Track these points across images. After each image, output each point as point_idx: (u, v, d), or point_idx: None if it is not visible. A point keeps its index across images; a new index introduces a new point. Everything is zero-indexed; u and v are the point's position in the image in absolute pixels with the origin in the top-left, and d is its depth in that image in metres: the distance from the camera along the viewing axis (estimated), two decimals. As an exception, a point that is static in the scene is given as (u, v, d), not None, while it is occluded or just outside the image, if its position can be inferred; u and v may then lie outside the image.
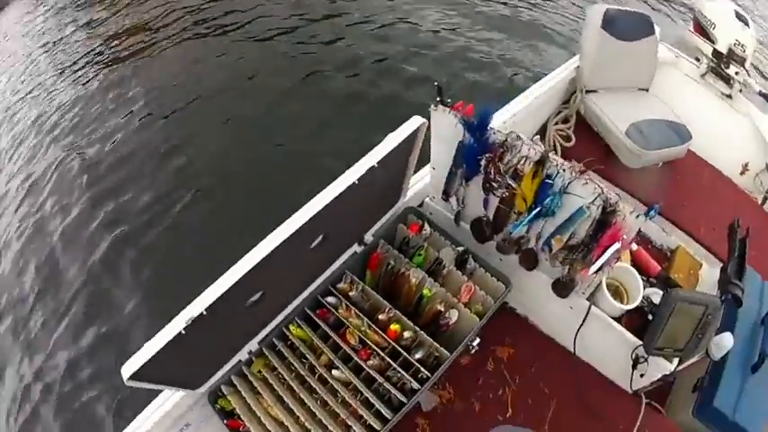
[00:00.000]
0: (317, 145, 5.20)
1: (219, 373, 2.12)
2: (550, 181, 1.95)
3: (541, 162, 1.93)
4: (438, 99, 2.09)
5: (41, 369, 4.24)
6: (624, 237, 1.89)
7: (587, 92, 3.42)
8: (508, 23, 7.21)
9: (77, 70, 7.57)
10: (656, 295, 2.47)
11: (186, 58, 6.98)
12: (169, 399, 2.10)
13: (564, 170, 1.92)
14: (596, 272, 2.01)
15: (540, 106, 3.33)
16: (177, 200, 5.06)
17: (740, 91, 3.70)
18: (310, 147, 5.21)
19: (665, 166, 3.38)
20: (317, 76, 6.19)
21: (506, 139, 1.99)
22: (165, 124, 6.03)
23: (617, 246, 1.90)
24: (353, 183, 1.75)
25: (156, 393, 2.09)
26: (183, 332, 1.52)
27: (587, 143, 3.39)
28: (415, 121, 1.97)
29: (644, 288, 2.38)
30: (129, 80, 6.85)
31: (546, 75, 3.51)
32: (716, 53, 3.63)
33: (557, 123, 3.50)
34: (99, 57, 7.67)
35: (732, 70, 3.60)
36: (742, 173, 3.70)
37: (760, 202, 3.53)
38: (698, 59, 3.82)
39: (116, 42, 7.87)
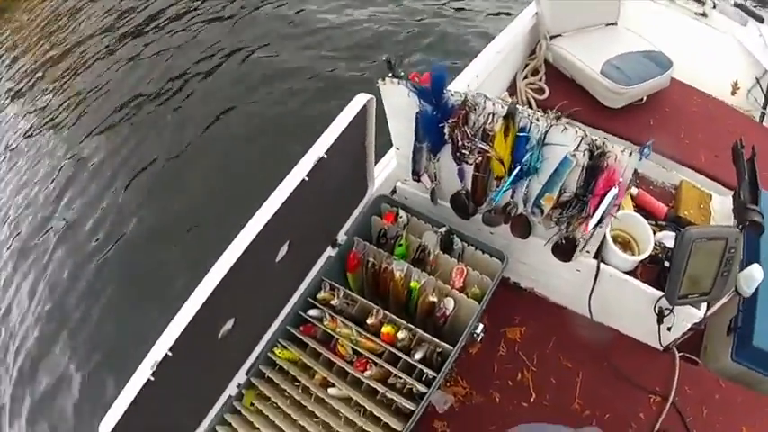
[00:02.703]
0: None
1: (211, 414, 1.98)
2: (525, 134, 1.82)
3: (511, 115, 1.80)
4: (390, 75, 1.95)
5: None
6: (620, 179, 1.76)
7: (552, 37, 3.30)
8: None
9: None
10: (669, 238, 2.34)
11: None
12: None
13: (538, 120, 1.78)
14: (597, 225, 1.88)
15: (503, 63, 3.21)
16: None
17: (714, 7, 3.59)
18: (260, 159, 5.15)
19: (649, 100, 3.26)
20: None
21: (466, 98, 1.85)
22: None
23: (614, 191, 1.78)
24: (303, 180, 1.62)
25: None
26: (152, 378, 1.40)
27: (562, 92, 3.25)
28: (361, 98, 1.85)
29: (654, 233, 2.25)
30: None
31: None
32: None
33: (526, 77, 3.37)
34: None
35: None
36: (733, 92, 3.62)
37: (758, 118, 3.41)
38: None
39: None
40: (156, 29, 7.59)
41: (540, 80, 3.35)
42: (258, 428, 1.96)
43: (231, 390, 2.02)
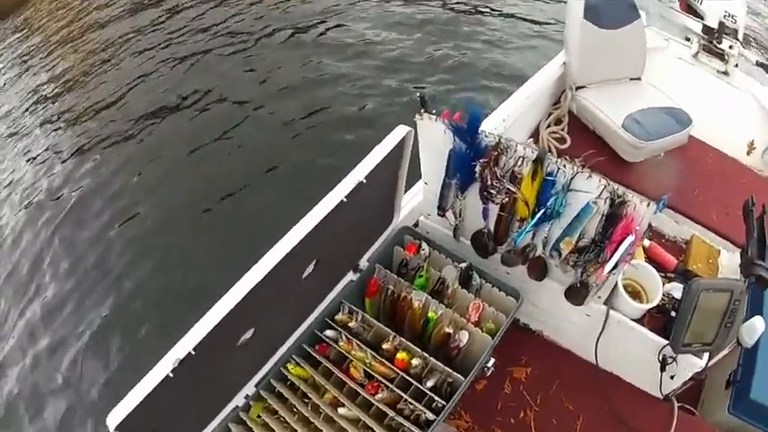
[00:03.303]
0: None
1: (215, 422, 2.00)
2: (552, 178, 1.89)
3: (539, 160, 1.88)
4: (422, 110, 2.03)
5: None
6: (637, 228, 1.82)
7: (577, 88, 3.37)
8: (479, 30, 7.20)
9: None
10: (677, 289, 2.43)
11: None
12: None
13: (564, 166, 1.86)
14: (612, 271, 1.93)
15: (529, 110, 3.28)
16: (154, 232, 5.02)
17: (736, 65, 3.67)
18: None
19: (667, 156, 3.33)
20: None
21: (500, 141, 1.93)
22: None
23: (631, 238, 1.84)
24: (342, 201, 1.69)
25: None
26: (171, 375, 1.43)
27: (583, 143, 3.32)
28: (401, 131, 1.92)
29: (663, 284, 2.32)
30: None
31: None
32: (706, 29, 3.62)
33: (549, 126, 3.45)
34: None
35: (725, 44, 3.60)
36: (749, 152, 3.68)
37: None
38: (688, 39, 3.79)
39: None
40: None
41: (563, 129, 3.42)
42: (262, 443, 2.00)
43: (239, 400, 2.05)
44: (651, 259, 2.66)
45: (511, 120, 3.00)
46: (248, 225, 4.67)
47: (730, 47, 3.56)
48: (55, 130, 6.86)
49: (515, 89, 3.28)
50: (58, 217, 5.44)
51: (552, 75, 3.43)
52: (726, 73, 3.68)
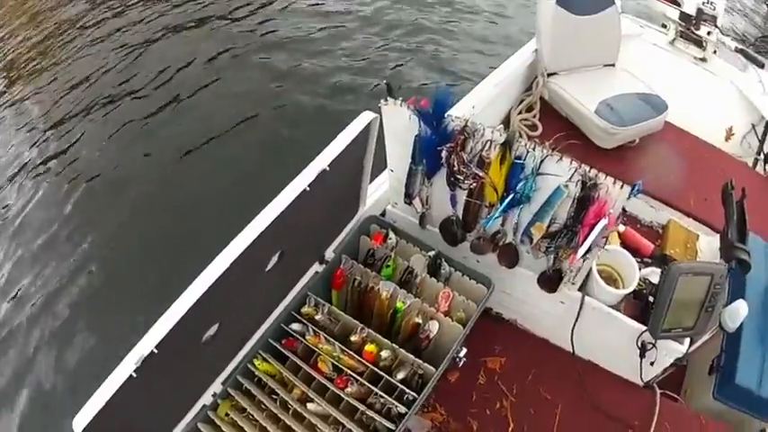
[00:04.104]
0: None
1: (183, 423, 1.96)
2: (521, 161, 1.87)
3: (508, 143, 1.85)
4: (387, 98, 2.00)
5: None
6: (611, 211, 1.80)
7: (549, 75, 3.37)
8: (444, 20, 7.20)
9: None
10: (654, 274, 2.41)
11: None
12: None
13: (533, 149, 1.83)
14: (585, 255, 1.91)
15: (499, 96, 3.27)
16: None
17: (714, 52, 3.65)
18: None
19: (642, 142, 3.32)
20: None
21: (467, 125, 1.90)
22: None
23: (604, 222, 1.81)
24: (305, 189, 1.65)
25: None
26: (134, 375, 1.38)
27: (555, 130, 3.31)
28: (366, 117, 1.89)
29: (639, 269, 2.28)
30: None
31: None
32: (683, 16, 3.61)
33: (520, 113, 3.43)
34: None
35: (703, 31, 3.59)
36: (727, 138, 3.69)
37: (751, 164, 3.46)
38: (665, 26, 3.79)
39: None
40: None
41: (534, 116, 3.40)
42: (232, 441, 1.96)
43: (206, 399, 2.01)
44: (627, 245, 2.63)
45: (480, 107, 2.98)
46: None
47: (708, 33, 3.55)
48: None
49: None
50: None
51: (523, 61, 3.42)
52: (704, 59, 3.68)
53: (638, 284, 2.25)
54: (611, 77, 3.39)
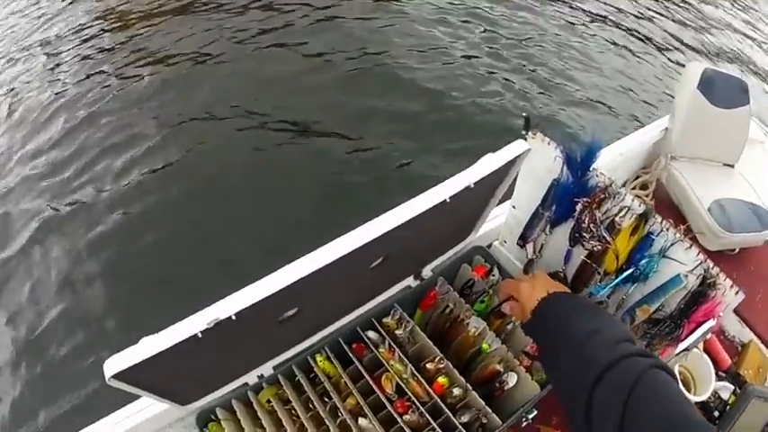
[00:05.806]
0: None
1: (218, 393, 1.89)
2: (653, 237, 1.79)
3: (646, 216, 1.78)
4: (525, 131, 1.92)
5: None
6: (720, 314, 1.71)
7: (671, 158, 3.26)
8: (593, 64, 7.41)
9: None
10: (726, 390, 2.34)
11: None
12: (144, 409, 1.92)
13: (668, 229, 1.76)
14: (682, 351, 1.83)
15: (620, 166, 3.19)
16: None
17: None
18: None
19: (739, 253, 3.19)
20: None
21: (611, 185, 1.84)
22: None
23: (711, 323, 1.72)
24: (444, 200, 1.57)
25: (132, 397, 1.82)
26: (200, 335, 1.30)
27: (664, 215, 3.16)
28: (519, 146, 1.79)
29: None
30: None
31: (625, 134, 3.36)
32: None
33: (634, 188, 3.34)
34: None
35: None
36: None
37: None
38: None
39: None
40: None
41: (648, 196, 3.31)
42: (264, 428, 1.88)
43: (251, 378, 1.94)
44: (707, 353, 2.53)
45: (600, 170, 2.87)
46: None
47: None
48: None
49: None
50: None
51: (651, 137, 3.34)
52: None
53: (709, 396, 2.20)
54: (728, 178, 3.29)
